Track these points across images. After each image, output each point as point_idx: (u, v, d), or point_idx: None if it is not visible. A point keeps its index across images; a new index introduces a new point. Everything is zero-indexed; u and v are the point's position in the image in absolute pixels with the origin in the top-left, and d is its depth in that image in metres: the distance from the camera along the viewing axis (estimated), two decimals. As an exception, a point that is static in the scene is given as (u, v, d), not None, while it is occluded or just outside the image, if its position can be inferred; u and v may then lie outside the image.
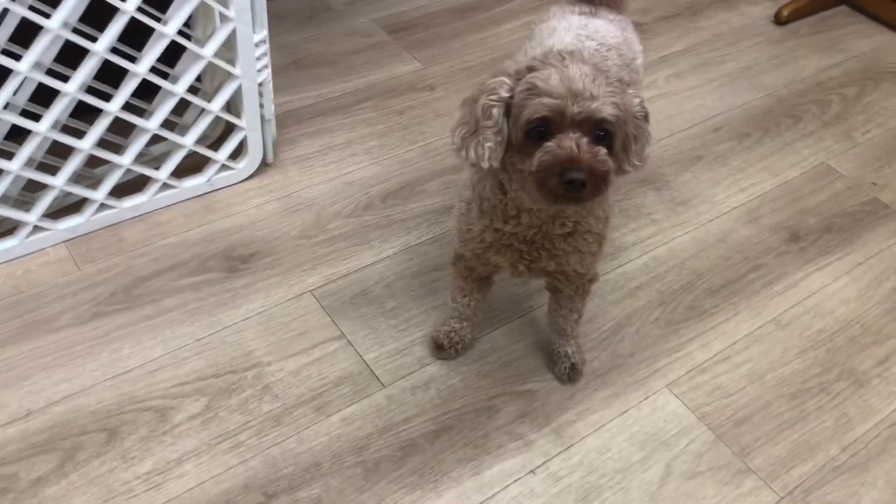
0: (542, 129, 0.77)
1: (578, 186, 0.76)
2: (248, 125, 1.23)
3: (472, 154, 0.80)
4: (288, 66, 1.55)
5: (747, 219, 1.35)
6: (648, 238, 1.30)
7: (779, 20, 1.83)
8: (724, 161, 1.46)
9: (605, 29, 1.04)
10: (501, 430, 1.02)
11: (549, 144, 0.77)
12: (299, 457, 0.96)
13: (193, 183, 1.25)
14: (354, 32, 1.66)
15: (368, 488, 0.94)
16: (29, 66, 0.99)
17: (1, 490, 0.89)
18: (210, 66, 1.15)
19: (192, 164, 1.25)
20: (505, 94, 0.79)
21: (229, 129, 1.25)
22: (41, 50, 0.99)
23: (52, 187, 1.10)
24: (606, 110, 0.77)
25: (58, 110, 1.05)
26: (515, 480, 0.97)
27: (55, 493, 0.90)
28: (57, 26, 0.98)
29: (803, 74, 1.69)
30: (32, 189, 1.13)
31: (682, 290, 1.22)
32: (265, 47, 1.18)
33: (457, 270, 1.02)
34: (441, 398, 1.04)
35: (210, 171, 1.25)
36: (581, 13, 1.06)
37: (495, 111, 0.79)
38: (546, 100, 0.76)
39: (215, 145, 1.25)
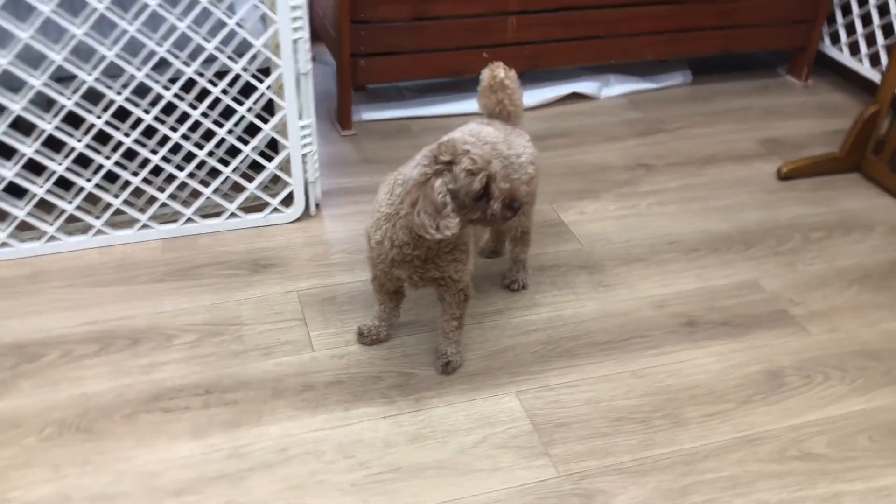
0: (483, 190, 1.22)
1: (518, 207, 1.23)
2: (295, 183, 1.80)
3: (446, 231, 1.19)
4: (359, 161, 2.13)
5: (656, 304, 1.67)
6: (563, 302, 1.66)
7: (779, 175, 2.13)
8: (663, 265, 1.79)
9: (488, 132, 1.49)
10: (377, 391, 1.43)
11: (496, 197, 1.21)
12: (237, 376, 1.44)
13: (254, 216, 1.83)
14: (417, 147, 2.22)
15: (271, 402, 1.39)
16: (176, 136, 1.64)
17: (66, 353, 1.45)
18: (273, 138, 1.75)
19: (257, 205, 1.84)
20: (449, 187, 1.20)
21: (284, 184, 1.83)
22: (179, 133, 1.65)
23: (158, 199, 1.73)
24: (496, 168, 1.22)
25: (174, 156, 1.69)
26: (369, 419, 1.37)
27: (90, 364, 1.44)
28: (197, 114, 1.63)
29: (779, 216, 1.98)
30: (143, 198, 1.76)
31: (569, 338, 1.57)
32: (309, 130, 1.76)
33: (374, 287, 1.48)
34: (347, 364, 1.48)
35: (266, 211, 1.83)
36: (480, 123, 1.53)
37: (447, 199, 1.20)
38: (478, 175, 1.20)
39: (273, 193, 1.84)
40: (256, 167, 1.80)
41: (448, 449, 1.31)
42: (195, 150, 1.70)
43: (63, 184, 1.69)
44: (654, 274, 1.75)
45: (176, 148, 1.73)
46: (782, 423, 1.40)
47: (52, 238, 1.70)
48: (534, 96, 2.42)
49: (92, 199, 1.72)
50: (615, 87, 2.52)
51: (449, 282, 1.38)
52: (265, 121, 1.73)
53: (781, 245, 1.87)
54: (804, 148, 2.26)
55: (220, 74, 1.67)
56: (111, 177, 1.71)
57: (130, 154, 1.70)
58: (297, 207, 1.84)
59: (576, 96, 2.50)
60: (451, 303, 1.42)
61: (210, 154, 1.74)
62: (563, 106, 2.47)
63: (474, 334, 1.55)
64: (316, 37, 2.41)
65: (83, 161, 1.66)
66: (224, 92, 1.68)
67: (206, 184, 1.76)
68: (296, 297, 1.63)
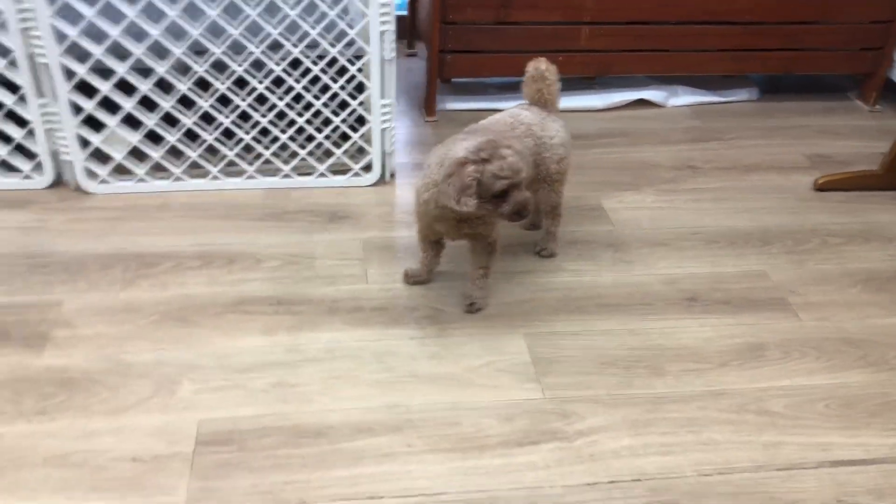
0: (501, 195, 1.53)
1: (526, 214, 1.55)
2: (374, 152, 2.16)
3: (463, 207, 1.49)
4: (435, 143, 2.47)
5: (666, 281, 1.92)
6: (584, 270, 1.94)
7: (815, 187, 2.32)
8: (682, 251, 2.03)
9: (525, 115, 1.79)
10: (411, 319, 1.75)
11: (510, 201, 1.51)
12: (304, 294, 1.79)
13: (338, 178, 2.20)
14: (489, 134, 2.54)
15: (327, 316, 1.74)
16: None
17: (177, 264, 1.86)
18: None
19: (342, 169, 2.21)
20: (477, 176, 1.49)
21: (365, 153, 2.19)
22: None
23: (263, 155, 2.13)
24: (527, 172, 1.55)
25: (279, 121, 2.09)
26: (401, 338, 1.69)
27: (193, 274, 1.84)
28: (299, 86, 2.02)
29: (804, 222, 2.17)
30: (252, 154, 2.16)
31: (581, 298, 1.85)
32: (389, 108, 2.11)
33: (419, 237, 1.80)
34: (392, 296, 1.81)
35: (349, 174, 2.19)
36: (521, 107, 1.83)
37: (473, 185, 1.49)
38: (504, 181, 1.50)
39: (357, 160, 2.20)
40: (345, 137, 2.16)
41: (458, 367, 1.63)
42: (296, 117, 2.08)
43: (190, 136, 2.11)
44: (672, 257, 1.99)
45: (281, 115, 2.12)
46: (749, 384, 1.63)
47: (178, 178, 2.12)
48: (603, 99, 2.69)
49: (212, 151, 2.14)
50: (682, 98, 2.75)
51: (479, 237, 1.69)
52: (354, 98, 2.09)
53: (798, 246, 2.07)
54: (850, 165, 2.42)
55: (322, 57, 2.04)
56: (228, 133, 2.11)
57: (245, 116, 2.10)
58: (375, 174, 2.19)
59: (644, 103, 2.75)
60: (480, 253, 1.73)
61: (308, 122, 2.12)
62: (629, 110, 2.73)
63: (500, 286, 1.85)
64: (418, 35, 2.78)
65: (207, 118, 2.07)
66: (323, 71, 2.05)
67: (302, 147, 2.14)
68: (360, 243, 1.98)
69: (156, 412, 1.48)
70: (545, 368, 1.63)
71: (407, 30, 3.06)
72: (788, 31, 2.61)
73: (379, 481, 1.37)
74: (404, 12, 3.05)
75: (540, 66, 1.80)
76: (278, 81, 2.06)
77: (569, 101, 2.65)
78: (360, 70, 2.06)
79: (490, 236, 1.70)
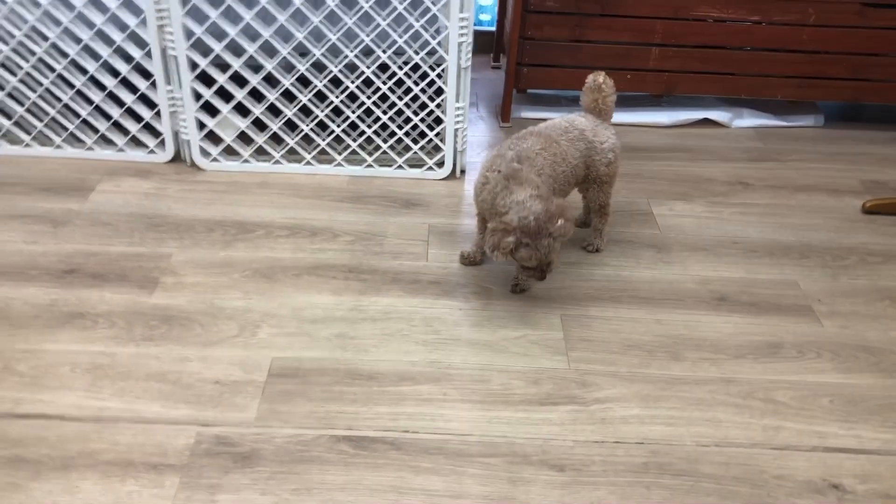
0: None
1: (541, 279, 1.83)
2: (447, 150, 2.42)
3: (495, 258, 1.77)
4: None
5: (700, 281, 2.10)
6: (624, 266, 2.14)
7: (863, 209, 2.43)
8: (720, 257, 2.20)
9: (579, 121, 2.02)
10: (461, 293, 2.00)
11: (529, 272, 1.83)
12: (372, 265, 2.06)
13: (414, 171, 2.47)
14: (558, 141, 2.76)
15: (388, 285, 2.00)
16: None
17: (268, 232, 2.17)
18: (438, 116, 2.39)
19: (419, 163, 2.48)
20: (512, 245, 1.75)
21: (440, 150, 2.46)
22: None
23: (349, 146, 2.42)
24: (552, 259, 1.79)
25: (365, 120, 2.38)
26: (449, 308, 1.94)
27: (281, 241, 2.14)
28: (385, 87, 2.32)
29: (844, 240, 2.30)
30: (342, 145, 2.46)
31: (617, 290, 2.05)
32: (462, 111, 2.37)
33: (477, 222, 2.05)
34: (447, 273, 2.06)
35: (424, 168, 2.46)
36: (578, 114, 2.06)
37: (505, 252, 1.76)
38: (529, 264, 1.79)
39: (432, 156, 2.47)
40: (422, 135, 2.43)
41: (496, 336, 1.86)
42: (381, 114, 2.37)
43: (290, 125, 2.42)
44: (710, 261, 2.17)
45: (368, 112, 2.41)
46: (760, 376, 1.79)
47: (277, 162, 2.44)
48: (670, 116, 2.87)
49: (307, 139, 2.45)
50: (746, 120, 2.90)
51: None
52: (433, 101, 2.36)
53: (835, 261, 2.20)
54: (903, 193, 2.52)
55: (407, 63, 2.32)
56: (322, 125, 2.42)
57: (337, 111, 2.40)
58: (446, 169, 2.45)
59: (709, 122, 2.91)
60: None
61: (391, 120, 2.40)
62: (695, 128, 2.90)
63: (545, 273, 2.07)
64: (503, 50, 3.04)
65: (305, 111, 2.38)
66: (407, 76, 2.33)
67: (385, 141, 2.43)
68: (426, 227, 2.24)
69: (238, 348, 1.77)
70: (574, 345, 1.84)
71: (494, 44, 3.32)
72: (855, 62, 2.73)
73: (416, 419, 1.62)
74: (493, 28, 3.32)
75: (598, 79, 2.02)
76: (368, 82, 2.35)
77: (637, 117, 2.85)
78: (439, 76, 2.32)
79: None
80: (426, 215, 2.29)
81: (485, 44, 3.36)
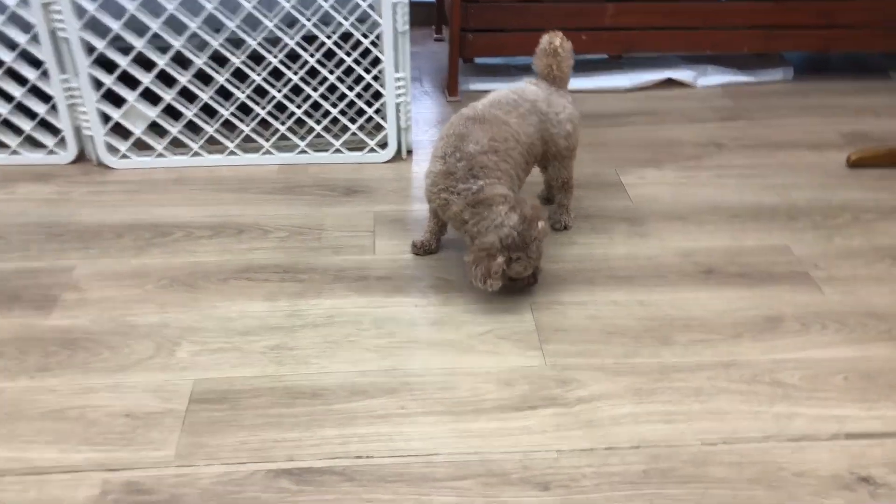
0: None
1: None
2: (389, 127, 2.15)
3: (486, 287, 1.57)
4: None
5: (681, 254, 1.86)
6: (596, 243, 1.89)
7: (848, 163, 2.23)
8: (700, 225, 1.97)
9: (530, 91, 1.76)
10: (416, 288, 1.73)
11: (520, 283, 1.64)
12: (310, 263, 1.79)
13: (354, 154, 2.19)
14: (511, 113, 2.50)
15: (331, 284, 1.73)
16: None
17: (188, 234, 1.88)
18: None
19: (359, 146, 2.20)
20: (503, 268, 1.56)
21: (382, 129, 2.18)
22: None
23: (278, 130, 2.14)
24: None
25: (294, 96, 2.09)
26: (403, 305, 1.67)
27: (203, 243, 1.85)
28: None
29: (833, 197, 2.09)
30: (267, 128, 2.17)
31: (591, 270, 1.80)
32: (403, 82, 2.10)
33: (430, 207, 1.79)
34: (398, 266, 1.79)
35: (365, 150, 2.19)
36: (528, 82, 1.81)
37: (498, 276, 1.56)
38: (525, 274, 1.60)
39: (373, 137, 2.19)
40: (362, 113, 2.16)
41: (459, 333, 1.60)
42: (311, 92, 2.09)
43: (208, 111, 2.13)
44: (689, 231, 1.93)
45: (297, 90, 2.13)
46: (763, 356, 1.56)
47: (195, 154, 2.15)
48: (631, 79, 2.63)
49: (229, 126, 2.15)
50: (712, 77, 2.68)
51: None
52: (369, 73, 2.09)
53: (826, 221, 1.98)
54: (888, 143, 2.32)
55: (338, 32, 2.04)
56: (245, 109, 2.13)
57: (261, 91, 2.11)
58: (390, 150, 2.18)
59: (673, 83, 2.69)
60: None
61: (324, 98, 2.12)
62: (657, 90, 2.67)
63: (509, 257, 1.82)
64: (445, 18, 2.77)
65: (224, 94, 2.09)
66: (338, 46, 2.05)
67: (319, 122, 2.15)
68: (372, 215, 1.97)
69: (153, 371, 1.49)
70: (549, 337, 1.59)
71: (436, 14, 3.06)
72: (823, 8, 2.53)
73: (370, 441, 1.35)
74: (432, -2, 3.05)
75: (554, 41, 1.77)
76: (294, 56, 2.07)
77: (595, 81, 2.61)
78: (374, 44, 2.05)
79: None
80: (370, 203, 2.02)
81: (426, 15, 3.10)
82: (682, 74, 2.66)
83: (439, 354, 1.54)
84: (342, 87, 2.10)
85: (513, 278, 1.62)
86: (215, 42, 1.99)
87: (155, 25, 1.95)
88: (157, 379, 1.47)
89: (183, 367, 1.50)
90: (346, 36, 2.06)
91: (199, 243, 1.85)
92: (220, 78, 2.04)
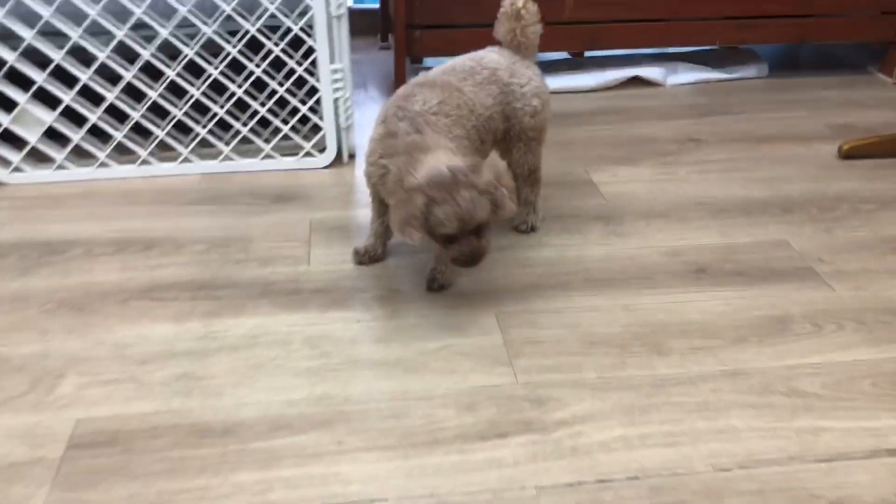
0: (450, 237, 1.27)
1: (475, 264, 1.28)
2: (327, 126, 1.88)
3: (408, 239, 1.24)
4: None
5: (667, 253, 1.61)
6: (569, 245, 1.63)
7: (840, 154, 2.01)
8: (685, 222, 1.72)
9: (491, 58, 1.51)
10: (359, 300, 1.45)
11: (458, 247, 1.26)
12: (231, 278, 1.50)
13: (288, 159, 1.91)
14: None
15: (255, 300, 1.44)
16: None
17: (86, 251, 1.57)
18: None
19: (294, 151, 1.93)
20: (422, 211, 1.22)
21: (319, 130, 1.91)
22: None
23: (198, 134, 1.85)
24: (483, 218, 1.25)
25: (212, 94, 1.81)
26: (343, 321, 1.39)
27: (103, 260, 1.55)
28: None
29: (828, 189, 1.86)
30: (186, 133, 1.89)
31: (565, 274, 1.53)
32: (341, 74, 1.84)
33: (372, 197, 1.52)
34: (337, 278, 1.51)
35: (300, 154, 1.91)
36: (490, 50, 1.56)
37: (416, 222, 1.24)
38: (448, 228, 1.24)
39: (310, 140, 1.91)
40: (295, 114, 1.88)
41: (410, 350, 1.31)
42: (235, 89, 1.81)
43: (117, 115, 1.84)
44: (674, 228, 1.69)
45: (221, 89, 1.85)
46: (774, 362, 1.30)
47: (103, 165, 1.85)
48: (595, 78, 2.41)
49: (142, 132, 1.87)
50: (682, 76, 2.47)
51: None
52: (308, 73, 1.82)
53: (824, 213, 1.75)
54: (881, 133, 2.12)
55: (262, 18, 1.78)
56: (160, 111, 1.84)
57: (177, 90, 1.83)
58: (330, 153, 1.91)
59: (640, 82, 2.47)
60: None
61: (250, 95, 1.85)
62: (624, 89, 2.46)
63: (468, 262, 1.55)
64: (390, 27, 2.53)
65: (135, 94, 1.81)
66: (265, 35, 1.78)
67: (245, 125, 1.87)
68: (307, 223, 1.69)
69: (24, 412, 1.18)
70: (519, 350, 1.31)
71: (381, 22, 2.82)
72: (798, -6, 2.33)
73: (298, 486, 1.06)
74: (377, 5, 2.82)
75: (516, 2, 1.53)
76: (214, 49, 1.80)
77: (557, 81, 2.38)
78: (307, 34, 1.79)
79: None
80: (307, 210, 1.75)
81: (369, 24, 2.86)
82: (650, 72, 2.44)
83: (385, 376, 1.25)
84: (272, 84, 1.83)
85: (448, 240, 1.27)
86: (120, 32, 1.71)
87: (47, 13, 1.67)
88: (29, 421, 1.16)
89: (63, 405, 1.19)
90: (273, 27, 1.80)
91: (97, 261, 1.55)
92: (128, 75, 1.76)
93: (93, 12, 1.69)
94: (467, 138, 1.40)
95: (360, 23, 2.80)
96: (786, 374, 1.27)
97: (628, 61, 2.50)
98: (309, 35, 1.80)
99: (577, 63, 2.51)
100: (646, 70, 2.44)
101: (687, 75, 2.47)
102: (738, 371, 1.28)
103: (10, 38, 1.71)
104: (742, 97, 2.39)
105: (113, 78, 1.78)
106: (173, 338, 1.34)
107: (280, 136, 1.87)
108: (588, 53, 2.50)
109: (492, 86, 1.48)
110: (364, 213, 1.72)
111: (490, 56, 1.53)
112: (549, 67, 2.49)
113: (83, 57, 1.75)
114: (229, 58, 1.78)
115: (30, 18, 1.69)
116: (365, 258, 1.54)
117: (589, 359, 1.30)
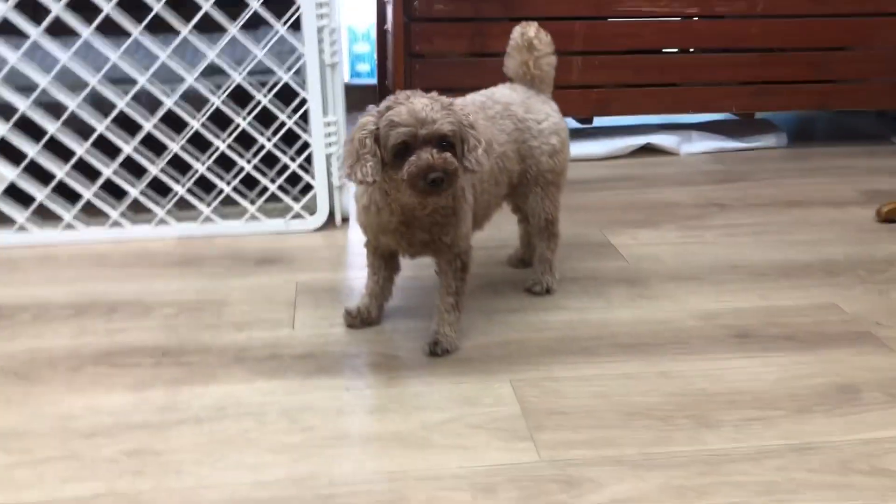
0: (404, 149, 1.09)
1: (439, 183, 1.08)
2: (318, 184, 1.71)
3: (359, 174, 1.10)
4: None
5: (703, 316, 1.41)
6: (591, 308, 1.43)
7: (878, 217, 1.84)
8: (720, 285, 1.53)
9: (503, 93, 1.36)
10: (349, 366, 1.23)
11: (412, 159, 1.08)
12: (201, 343, 1.29)
13: (275, 221, 1.73)
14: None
15: (228, 367, 1.23)
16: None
17: (40, 314, 1.37)
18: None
19: (283, 210, 1.75)
20: (373, 128, 1.10)
21: (310, 189, 1.73)
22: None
23: (178, 193, 1.68)
24: (445, 128, 1.08)
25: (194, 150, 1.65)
26: (330, 389, 1.17)
27: (58, 324, 1.34)
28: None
29: (874, 252, 1.68)
30: (164, 193, 1.71)
31: (589, 338, 1.33)
32: (335, 128, 1.68)
33: (368, 251, 1.33)
34: (325, 343, 1.30)
35: (288, 216, 1.73)
36: (501, 86, 1.41)
37: (368, 141, 1.10)
38: (402, 129, 1.07)
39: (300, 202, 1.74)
40: (284, 172, 1.72)
41: (411, 423, 1.09)
42: (220, 143, 1.65)
43: (85, 171, 1.66)
44: (708, 291, 1.50)
45: (201, 144, 1.69)
46: (848, 436, 1.09)
47: (69, 226, 1.67)
48: (605, 145, 2.27)
49: (113, 190, 1.69)
50: (697, 144, 2.34)
51: (441, 246, 1.21)
52: (300, 130, 1.66)
53: (874, 276, 1.57)
54: (913, 199, 1.96)
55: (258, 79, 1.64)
56: (134, 168, 1.67)
57: (155, 145, 1.66)
58: (321, 215, 1.73)
59: (652, 151, 2.33)
60: (447, 272, 1.25)
61: (234, 150, 1.68)
62: (636, 157, 2.31)
63: (477, 324, 1.35)
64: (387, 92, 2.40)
65: (107, 148, 1.64)
66: (253, 85, 1.64)
67: (229, 184, 1.70)
68: (294, 286, 1.50)
69: (-70, 497, 0.94)
70: (541, 422, 1.10)
71: (378, 98, 2.70)
72: (816, 60, 2.23)
73: (266, 590, 0.82)
74: (374, 80, 2.72)
75: (528, 32, 1.39)
76: (196, 100, 1.65)
77: (564, 149, 2.23)
78: (299, 84, 1.64)
79: (455, 245, 1.21)
80: (292, 272, 1.56)
81: (366, 99, 2.74)
82: (663, 140, 2.31)
83: (380, 454, 1.03)
84: (260, 139, 1.67)
85: (403, 156, 1.08)
86: (93, 79, 1.56)
87: (13, 56, 1.52)
88: (-64, 507, 0.93)
89: (-18, 489, 0.95)
90: (263, 82, 1.65)
91: (50, 325, 1.35)
92: (100, 126, 1.60)
93: (64, 57, 1.54)
94: (478, 178, 1.23)
95: (357, 96, 2.69)
96: (865, 450, 1.05)
97: (638, 130, 2.36)
98: (300, 86, 1.65)
99: (582, 131, 2.37)
100: (659, 137, 2.31)
101: (702, 144, 2.33)
102: (806, 445, 1.06)
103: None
104: (761, 165, 2.24)
105: (84, 131, 1.62)
106: (129, 408, 1.12)
107: (267, 195, 1.70)
108: (597, 121, 2.37)
109: (505, 121, 1.32)
110: (358, 275, 1.53)
111: (502, 91, 1.38)
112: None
113: (52, 107, 1.59)
114: (212, 108, 1.62)
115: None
116: (357, 320, 1.33)
117: (626, 432, 1.08)
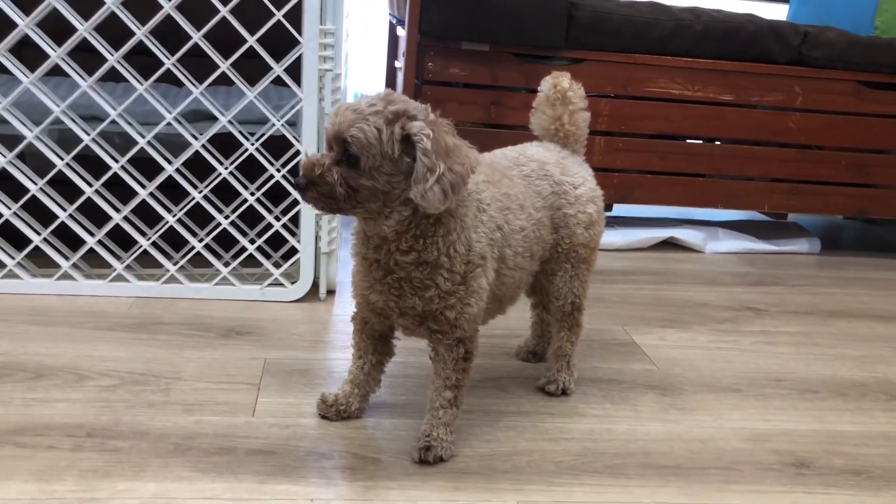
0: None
1: (301, 188, 0.90)
2: (303, 249, 1.49)
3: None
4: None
5: (750, 438, 1.17)
6: (616, 417, 1.19)
7: (939, 334, 1.62)
8: (765, 400, 1.30)
9: (534, 152, 1.16)
10: (316, 469, 0.99)
11: None
12: (138, 426, 1.05)
13: (250, 287, 1.50)
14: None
15: (166, 458, 0.98)
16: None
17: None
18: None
19: (261, 276, 1.52)
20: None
21: (294, 253, 1.51)
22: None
23: (140, 245, 1.45)
24: (346, 132, 0.89)
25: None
26: (289, 499, 0.92)
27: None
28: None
29: (939, 373, 1.46)
30: (126, 247, 1.48)
31: (615, 454, 1.09)
32: (328, 187, 1.47)
33: (354, 325, 1.10)
34: (290, 436, 1.05)
35: (265, 282, 1.50)
36: (529, 144, 1.21)
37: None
38: (327, 126, 0.93)
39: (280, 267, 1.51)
40: (266, 233, 1.50)
41: (388, 551, 0.84)
42: (193, 191, 1.44)
43: (38, 215, 1.44)
44: (752, 407, 1.26)
45: (173, 191, 1.48)
46: None
47: (10, 275, 1.44)
48: (625, 236, 2.08)
49: (71, 241, 1.47)
50: (724, 243, 2.14)
51: (441, 322, 0.98)
52: (288, 182, 1.46)
53: (943, 403, 1.33)
54: (971, 316, 1.75)
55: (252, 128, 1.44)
56: (93, 213, 1.45)
57: (122, 190, 1.45)
58: (304, 284, 1.50)
59: (675, 246, 2.13)
60: (445, 360, 1.01)
61: (210, 201, 1.47)
62: (658, 251, 2.11)
63: (480, 429, 1.11)
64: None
65: (64, 190, 1.43)
66: (241, 132, 1.44)
67: (201, 241, 1.48)
68: (261, 364, 1.25)
69: None
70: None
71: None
72: (857, 161, 2.06)
73: None
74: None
75: (561, 83, 1.19)
76: (172, 144, 1.44)
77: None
78: (292, 126, 1.45)
79: (460, 327, 0.98)
80: (261, 347, 1.31)
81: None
82: (687, 235, 2.11)
83: (347, 592, 0.77)
84: (243, 192, 1.46)
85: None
86: (57, 108, 1.36)
87: (-33, 75, 1.32)
88: None
89: None
90: (251, 132, 1.46)
91: (-45, 389, 1.09)
92: (61, 163, 1.39)
93: (26, 82, 1.34)
94: (511, 250, 1.02)
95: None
96: None
97: (661, 223, 2.17)
98: (294, 135, 1.45)
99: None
100: (683, 232, 2.11)
101: (729, 243, 2.13)
102: None
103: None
104: (794, 271, 2.04)
105: (40, 169, 1.41)
106: (28, 502, 0.86)
107: (244, 256, 1.48)
108: (616, 209, 2.18)
109: (542, 182, 1.12)
110: (340, 356, 1.29)
111: (534, 148, 1.18)
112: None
113: (7, 138, 1.39)
114: (191, 151, 1.42)
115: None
116: (332, 410, 1.09)
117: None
